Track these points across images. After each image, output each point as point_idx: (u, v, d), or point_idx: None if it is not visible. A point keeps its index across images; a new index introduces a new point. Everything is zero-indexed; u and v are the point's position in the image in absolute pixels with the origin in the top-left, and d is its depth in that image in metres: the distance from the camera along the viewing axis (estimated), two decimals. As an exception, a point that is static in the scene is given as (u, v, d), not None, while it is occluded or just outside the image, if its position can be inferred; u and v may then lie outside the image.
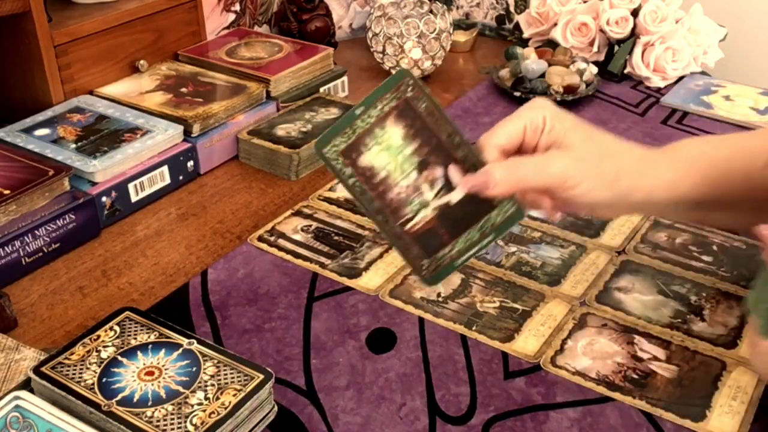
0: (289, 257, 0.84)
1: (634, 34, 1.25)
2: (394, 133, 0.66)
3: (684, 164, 0.66)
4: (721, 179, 0.66)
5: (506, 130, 0.64)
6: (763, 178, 0.66)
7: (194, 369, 0.63)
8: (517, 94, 1.17)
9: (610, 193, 0.63)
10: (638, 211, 0.75)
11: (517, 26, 1.42)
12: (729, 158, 0.67)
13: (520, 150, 0.65)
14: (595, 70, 1.21)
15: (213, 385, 0.61)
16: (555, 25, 1.30)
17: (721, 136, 0.72)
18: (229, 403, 0.60)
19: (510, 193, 0.62)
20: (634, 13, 1.24)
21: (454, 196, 0.64)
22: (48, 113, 1.01)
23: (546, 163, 0.62)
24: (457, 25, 1.44)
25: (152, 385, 0.62)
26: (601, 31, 1.26)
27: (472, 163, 0.63)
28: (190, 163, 0.99)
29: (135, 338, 0.66)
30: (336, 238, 0.87)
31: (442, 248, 0.65)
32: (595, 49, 1.26)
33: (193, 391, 0.61)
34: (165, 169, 0.96)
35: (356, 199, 0.67)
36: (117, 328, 0.67)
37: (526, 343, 0.72)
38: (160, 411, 0.59)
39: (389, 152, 0.66)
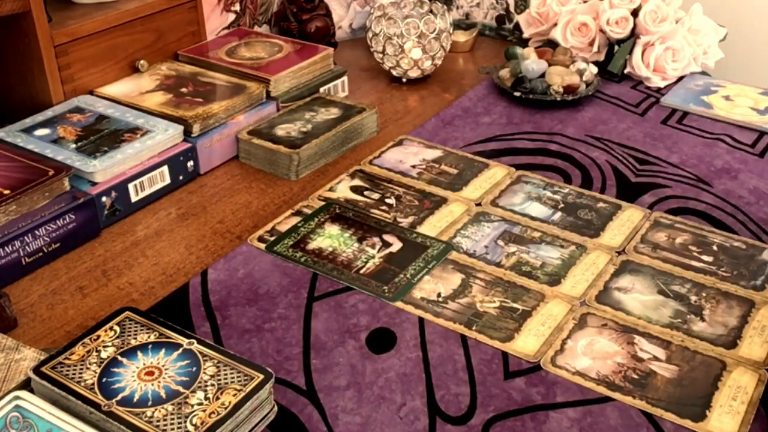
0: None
1: (634, 34, 1.25)
2: (332, 229, 0.86)
3: None
4: None
5: None
6: None
7: (194, 369, 0.63)
8: (517, 94, 1.17)
9: None
10: None
11: (517, 26, 1.42)
12: None
13: None
14: (595, 70, 1.21)
15: (213, 385, 0.61)
16: (555, 25, 1.30)
17: None
18: (229, 403, 0.60)
19: None
20: (634, 13, 1.24)
21: (395, 248, 0.83)
22: (48, 113, 1.01)
23: None
24: (457, 25, 1.44)
25: (152, 385, 0.62)
26: (601, 31, 1.26)
27: (400, 232, 0.85)
28: (190, 163, 0.99)
29: (135, 338, 0.66)
30: (336, 238, 0.87)
31: (396, 276, 0.79)
32: (595, 49, 1.26)
33: (193, 391, 0.61)
34: (165, 169, 0.96)
35: (311, 267, 0.81)
36: (117, 328, 0.67)
37: (526, 343, 0.72)
38: (160, 411, 0.59)
39: (331, 238, 0.85)
